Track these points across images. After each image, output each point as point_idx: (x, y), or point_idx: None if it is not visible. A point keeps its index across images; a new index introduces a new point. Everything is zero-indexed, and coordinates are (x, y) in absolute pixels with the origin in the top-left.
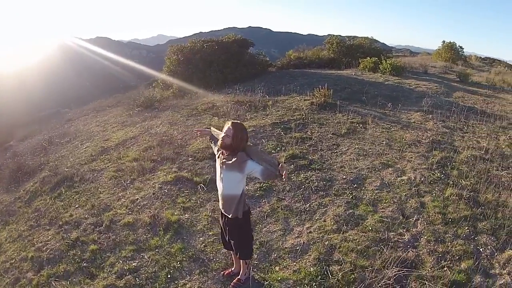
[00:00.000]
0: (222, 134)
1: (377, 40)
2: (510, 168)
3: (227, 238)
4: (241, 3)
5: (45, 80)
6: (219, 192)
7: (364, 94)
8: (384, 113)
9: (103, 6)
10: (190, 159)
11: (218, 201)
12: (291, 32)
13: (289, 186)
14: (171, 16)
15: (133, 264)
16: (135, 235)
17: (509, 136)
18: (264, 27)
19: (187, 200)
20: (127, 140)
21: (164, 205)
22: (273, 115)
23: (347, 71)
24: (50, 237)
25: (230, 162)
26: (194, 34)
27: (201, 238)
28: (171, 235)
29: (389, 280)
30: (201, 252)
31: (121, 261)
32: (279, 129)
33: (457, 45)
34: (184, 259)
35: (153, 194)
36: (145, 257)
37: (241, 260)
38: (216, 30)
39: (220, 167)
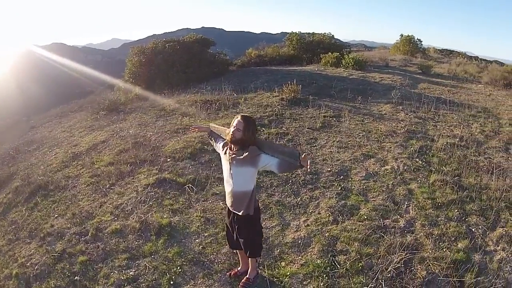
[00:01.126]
0: (232, 128)
1: (333, 36)
2: (486, 154)
3: (234, 237)
4: (194, 4)
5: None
6: (228, 190)
7: (331, 88)
8: (355, 106)
9: (56, 11)
10: (169, 160)
11: (225, 199)
12: (244, 31)
13: (276, 182)
14: (124, 19)
15: (130, 273)
16: (125, 242)
17: (480, 124)
18: (217, 27)
19: (174, 202)
20: (98, 144)
21: (151, 209)
22: (246, 112)
23: (310, 67)
24: (32, 250)
25: (242, 157)
26: (148, 36)
27: (197, 240)
28: (164, 239)
29: (397, 264)
30: (201, 255)
31: (116, 271)
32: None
33: (416, 38)
34: (184, 263)
35: (137, 198)
36: (142, 264)
37: (250, 259)
38: (169, 32)
39: (230, 163)
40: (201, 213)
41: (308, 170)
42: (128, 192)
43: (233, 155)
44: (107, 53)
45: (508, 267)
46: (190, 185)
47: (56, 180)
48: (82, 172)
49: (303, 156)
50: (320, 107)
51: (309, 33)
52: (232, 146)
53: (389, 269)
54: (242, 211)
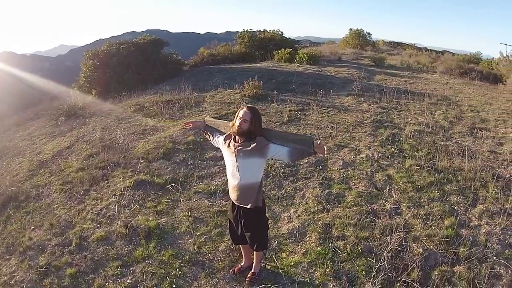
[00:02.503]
0: (239, 119)
1: (283, 33)
2: (454, 139)
3: (239, 232)
4: (138, 7)
5: None
6: (235, 183)
7: (291, 84)
8: (318, 100)
9: (2, 19)
10: (142, 161)
11: (229, 194)
12: (189, 32)
13: None
14: (70, 25)
15: (127, 281)
16: (114, 249)
17: (443, 111)
18: (162, 29)
19: (157, 203)
20: (63, 151)
21: (134, 212)
22: (209, 110)
23: (264, 64)
24: (14, 267)
25: (249, 148)
26: (95, 41)
27: (190, 240)
28: (155, 242)
29: (394, 245)
30: (198, 254)
31: (111, 281)
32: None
33: (365, 32)
34: (182, 265)
35: (117, 202)
36: (137, 271)
37: (255, 253)
38: (116, 36)
39: (236, 155)
40: (188, 213)
41: (326, 156)
42: (105, 197)
43: (239, 147)
44: (55, 60)
45: (495, 238)
46: (173, 184)
47: (26, 190)
48: (52, 180)
49: (318, 142)
50: (283, 102)
51: (260, 30)
52: (237, 138)
53: (388, 250)
54: (250, 204)
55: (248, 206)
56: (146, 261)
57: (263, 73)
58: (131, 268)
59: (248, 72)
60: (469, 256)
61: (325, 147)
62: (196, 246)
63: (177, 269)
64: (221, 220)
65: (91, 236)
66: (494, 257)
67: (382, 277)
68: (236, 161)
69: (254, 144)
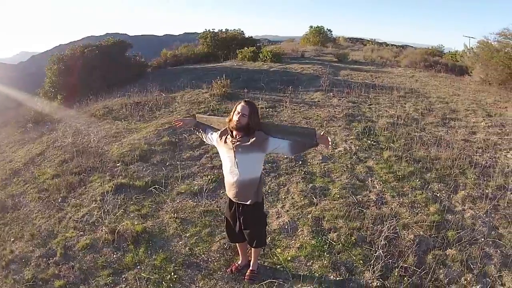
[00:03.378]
0: (237, 114)
1: (243, 32)
2: (427, 129)
3: (236, 230)
4: (95, 11)
5: None
6: (233, 180)
7: (258, 81)
8: (287, 96)
9: None
10: (118, 164)
11: (228, 192)
12: (147, 35)
13: None
14: (30, 31)
15: None
16: (102, 257)
17: (413, 103)
18: (121, 32)
19: (140, 207)
20: (35, 158)
21: (118, 218)
22: (180, 110)
23: (228, 63)
24: None
25: (248, 143)
26: (55, 47)
27: (180, 242)
28: (145, 247)
29: (386, 234)
30: (191, 256)
31: None
32: None
33: (325, 29)
34: (176, 268)
35: (99, 208)
36: (130, 278)
37: (253, 250)
38: (75, 41)
39: (234, 151)
40: (174, 214)
41: (330, 148)
42: (86, 203)
43: (238, 143)
44: (17, 67)
45: (480, 222)
46: (157, 186)
47: (1, 200)
48: (27, 189)
49: (322, 133)
50: (253, 99)
51: (221, 30)
52: (235, 133)
53: (380, 238)
54: (250, 200)
55: (248, 203)
56: (138, 267)
57: (229, 72)
58: (123, 276)
59: (213, 71)
60: (459, 239)
61: (329, 138)
62: (187, 248)
63: (172, 273)
64: (209, 220)
65: (76, 244)
66: (482, 239)
67: (380, 265)
68: (235, 157)
69: (254, 138)
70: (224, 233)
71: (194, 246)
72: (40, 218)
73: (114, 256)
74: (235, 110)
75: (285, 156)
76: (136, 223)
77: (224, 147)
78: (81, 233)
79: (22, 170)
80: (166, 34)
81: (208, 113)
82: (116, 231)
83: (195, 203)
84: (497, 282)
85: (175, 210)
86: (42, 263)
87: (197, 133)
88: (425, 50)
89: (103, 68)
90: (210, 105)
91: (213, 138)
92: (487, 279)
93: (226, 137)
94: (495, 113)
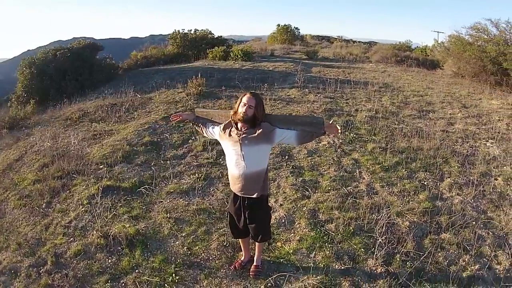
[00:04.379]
0: (243, 106)
1: (211, 32)
2: (405, 122)
3: (241, 225)
4: (60, 15)
5: None
6: (239, 173)
7: (232, 80)
8: (263, 93)
9: None
10: (101, 166)
11: (232, 186)
12: (114, 38)
13: (225, 171)
14: None
15: None
16: (97, 262)
17: (389, 97)
18: (87, 36)
19: (130, 208)
20: (12, 164)
21: (108, 221)
22: (158, 111)
23: (199, 63)
24: None
25: (255, 134)
26: (23, 53)
27: (177, 243)
28: (140, 249)
29: (383, 222)
30: (190, 256)
31: None
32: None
33: (293, 27)
34: (177, 269)
35: (86, 212)
36: (128, 283)
37: (257, 245)
38: (43, 46)
39: (241, 143)
40: (166, 214)
41: (339, 134)
42: (72, 208)
43: (244, 135)
44: None
45: (469, 207)
46: (147, 186)
47: None
48: (8, 196)
49: (330, 122)
50: (229, 98)
51: (190, 30)
52: (240, 125)
53: (378, 226)
54: (256, 193)
55: (254, 196)
56: (136, 270)
57: (201, 72)
58: (121, 281)
59: (186, 71)
60: (452, 224)
61: (337, 125)
62: (185, 248)
63: (173, 275)
64: (203, 218)
65: (67, 251)
66: (474, 223)
67: (382, 252)
68: (241, 150)
69: (260, 130)
70: (222, 230)
71: (192, 246)
72: (25, 225)
73: (109, 261)
74: (240, 102)
75: (291, 146)
76: (128, 225)
77: (228, 140)
78: (71, 239)
79: (1, 177)
80: (132, 37)
81: (187, 112)
82: (108, 234)
83: (186, 202)
84: (494, 261)
85: (167, 210)
86: (33, 273)
87: (196, 127)
88: (394, 46)
89: (75, 71)
90: (188, 104)
91: (214, 132)
92: (484, 259)
93: (230, 130)
94: (471, 105)
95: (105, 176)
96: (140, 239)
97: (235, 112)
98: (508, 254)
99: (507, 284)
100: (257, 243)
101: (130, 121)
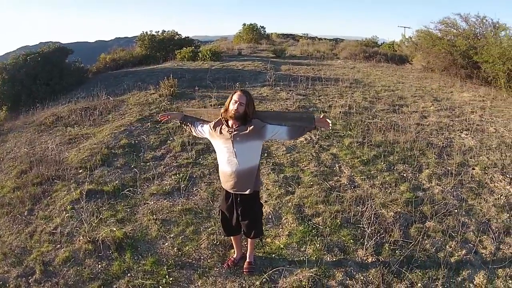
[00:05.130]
0: (235, 104)
1: (178, 32)
2: (379, 116)
3: (233, 222)
4: (26, 20)
5: None
6: (232, 170)
7: (202, 80)
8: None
9: None
10: (81, 171)
11: (224, 183)
12: (80, 42)
13: (207, 170)
14: None
15: None
16: (87, 268)
17: (361, 93)
18: (54, 41)
19: (114, 212)
20: None
21: (94, 225)
22: (132, 113)
23: (168, 64)
24: None
25: (246, 131)
26: None
27: (166, 244)
28: (130, 253)
29: (368, 213)
30: (182, 256)
31: None
32: (149, 123)
33: (258, 26)
34: (170, 270)
35: (71, 217)
36: (122, 287)
37: (249, 241)
38: (10, 52)
39: (232, 141)
40: (152, 216)
41: (329, 129)
42: (55, 214)
43: (235, 132)
44: None
45: (449, 196)
46: (130, 189)
47: None
48: None
49: (321, 116)
50: (202, 98)
51: (158, 31)
52: (231, 122)
53: (364, 218)
54: (249, 189)
55: (247, 192)
56: (128, 274)
57: (172, 73)
58: (114, 286)
59: (155, 73)
60: (436, 213)
61: (327, 119)
62: (175, 248)
63: (166, 276)
64: (190, 218)
65: (55, 259)
66: (456, 210)
67: (371, 242)
68: (233, 147)
69: (252, 126)
70: (210, 229)
71: (182, 246)
72: (9, 234)
73: (99, 266)
74: (231, 100)
75: (270, 143)
76: (114, 229)
77: (219, 138)
78: (58, 246)
79: None
80: (98, 40)
81: (160, 114)
82: (96, 239)
83: (170, 202)
84: (479, 246)
85: (152, 211)
86: (22, 283)
87: (185, 127)
88: (361, 42)
89: (45, 75)
90: (161, 105)
91: (204, 131)
92: (469, 244)
93: (221, 128)
94: (442, 98)
95: (86, 180)
96: (128, 242)
97: (226, 110)
98: (493, 239)
99: (494, 266)
100: (249, 240)
101: (105, 124)
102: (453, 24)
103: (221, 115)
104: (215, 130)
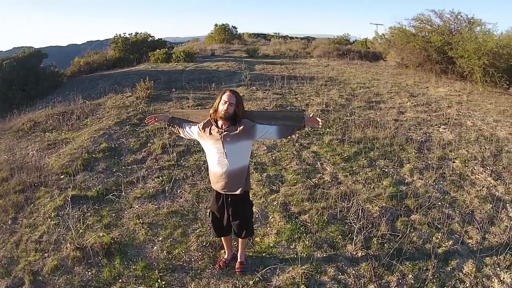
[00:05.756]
0: (224, 104)
1: (150, 35)
2: (356, 113)
3: (224, 223)
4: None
5: None
6: (222, 171)
7: (178, 81)
8: (212, 94)
9: None
10: (62, 176)
11: (214, 184)
12: (52, 46)
13: (190, 172)
14: None
15: None
16: (77, 276)
17: (337, 90)
18: (27, 46)
19: (99, 217)
20: None
21: (80, 232)
22: (110, 116)
23: (142, 66)
24: None
25: (237, 131)
26: None
27: (155, 247)
28: (119, 258)
29: (354, 209)
30: (172, 260)
31: None
32: (128, 126)
33: (230, 26)
34: (161, 274)
35: (56, 225)
36: None
37: (240, 241)
38: None
39: (222, 141)
40: (138, 220)
41: (319, 126)
42: (40, 222)
43: (225, 132)
44: None
45: (432, 189)
46: (115, 193)
47: None
48: None
49: (311, 115)
50: (179, 99)
51: (131, 34)
52: (220, 123)
53: (350, 213)
54: (240, 189)
55: (238, 192)
56: (119, 280)
57: (146, 75)
58: None
59: (130, 75)
60: (420, 206)
61: (318, 118)
62: (165, 252)
63: (159, 280)
64: (177, 221)
65: (44, 268)
66: (439, 203)
67: (360, 237)
68: (223, 147)
69: (242, 126)
70: (198, 231)
71: (171, 249)
72: None
73: (89, 273)
74: (220, 100)
75: (272, 141)
76: (101, 235)
77: (209, 139)
78: (45, 254)
79: None
80: (70, 44)
81: (137, 116)
82: (84, 246)
83: (155, 206)
84: (465, 237)
85: (138, 215)
86: None
87: (173, 129)
88: (333, 40)
89: (21, 80)
90: (139, 108)
91: (192, 132)
92: (455, 235)
93: (210, 129)
94: (418, 93)
95: (69, 186)
96: (117, 248)
97: (216, 110)
98: (478, 229)
99: (482, 255)
100: (240, 240)
101: (83, 128)
102: (427, 20)
103: (210, 116)
104: (204, 131)
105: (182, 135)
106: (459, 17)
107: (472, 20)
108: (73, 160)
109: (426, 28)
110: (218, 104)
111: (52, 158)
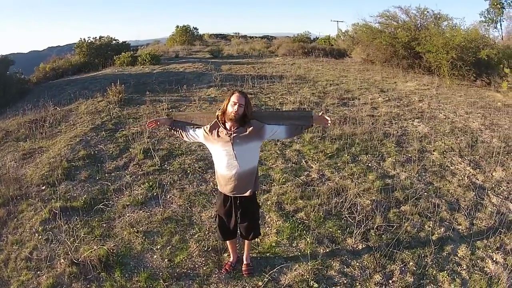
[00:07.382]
0: (234, 106)
1: (114, 38)
2: (330, 111)
3: (231, 226)
4: None
5: None
6: (232, 173)
7: (147, 84)
8: (184, 95)
9: None
10: (44, 187)
11: (223, 187)
12: (14, 53)
13: (176, 176)
14: None
15: None
16: None
17: (308, 88)
18: None
19: (90, 229)
20: None
21: (73, 245)
22: (84, 122)
23: (108, 70)
24: None
25: (246, 132)
26: None
27: (155, 256)
28: (119, 270)
29: (348, 202)
30: (176, 267)
31: None
32: (103, 131)
33: (192, 27)
34: (167, 284)
35: (45, 240)
36: None
37: (246, 243)
38: None
39: (232, 143)
40: (132, 229)
41: (329, 125)
42: (27, 237)
43: (235, 134)
44: None
45: (416, 180)
46: (105, 202)
47: None
48: None
49: (320, 114)
50: (152, 102)
51: (95, 38)
52: (229, 125)
53: (344, 208)
54: (249, 190)
55: (247, 194)
56: None
57: (114, 79)
58: None
59: (98, 80)
60: (408, 197)
61: (326, 116)
62: (166, 260)
63: None
64: (173, 227)
65: (38, 287)
66: (425, 193)
67: (361, 230)
68: (233, 149)
69: (251, 127)
70: (196, 236)
71: (172, 257)
72: None
73: None
74: (229, 102)
75: (280, 140)
76: (95, 247)
77: (217, 142)
78: (38, 272)
79: None
80: (31, 51)
81: (112, 121)
82: (79, 260)
83: (147, 213)
84: (454, 223)
85: (131, 224)
86: None
87: (175, 133)
88: (293, 38)
89: None
90: (112, 113)
91: (198, 135)
92: (446, 222)
93: (218, 131)
94: (388, 89)
95: (52, 197)
96: (115, 260)
97: (224, 112)
98: (465, 216)
99: (473, 239)
100: (246, 242)
101: (58, 135)
102: (393, 17)
103: (218, 118)
104: (211, 133)
105: (185, 138)
106: (425, 12)
107: (438, 16)
108: (53, 170)
109: (392, 25)
110: (226, 106)
111: (30, 168)
